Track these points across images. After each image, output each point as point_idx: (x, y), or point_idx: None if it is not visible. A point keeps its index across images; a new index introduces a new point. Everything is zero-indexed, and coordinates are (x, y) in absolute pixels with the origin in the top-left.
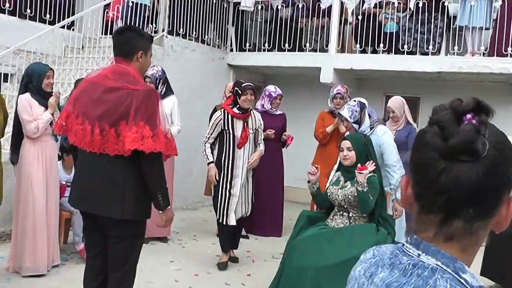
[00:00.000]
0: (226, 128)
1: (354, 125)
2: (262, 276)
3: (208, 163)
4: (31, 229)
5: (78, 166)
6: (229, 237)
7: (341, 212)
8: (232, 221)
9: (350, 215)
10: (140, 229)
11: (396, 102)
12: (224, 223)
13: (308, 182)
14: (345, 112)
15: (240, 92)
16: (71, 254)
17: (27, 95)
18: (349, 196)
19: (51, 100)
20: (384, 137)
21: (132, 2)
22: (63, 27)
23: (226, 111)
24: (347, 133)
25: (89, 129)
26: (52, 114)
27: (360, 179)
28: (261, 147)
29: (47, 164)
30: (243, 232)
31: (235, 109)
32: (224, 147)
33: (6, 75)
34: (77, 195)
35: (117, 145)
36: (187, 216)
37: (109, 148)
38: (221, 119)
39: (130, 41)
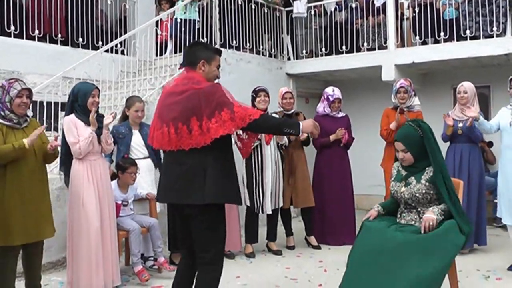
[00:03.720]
0: None
1: None
2: (334, 286)
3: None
4: (85, 250)
5: (163, 167)
6: (256, 228)
7: (408, 209)
8: (269, 210)
9: (419, 209)
10: (220, 214)
11: (468, 84)
12: (261, 212)
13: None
14: None
15: (254, 95)
16: (132, 275)
17: (72, 116)
18: (417, 194)
19: (90, 117)
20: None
21: (181, 19)
22: (116, 52)
23: None
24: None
25: (166, 131)
26: (101, 132)
27: None
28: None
29: (98, 183)
30: (315, 242)
31: None
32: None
33: (63, 104)
34: (163, 191)
35: (190, 140)
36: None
37: (184, 144)
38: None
39: (194, 52)
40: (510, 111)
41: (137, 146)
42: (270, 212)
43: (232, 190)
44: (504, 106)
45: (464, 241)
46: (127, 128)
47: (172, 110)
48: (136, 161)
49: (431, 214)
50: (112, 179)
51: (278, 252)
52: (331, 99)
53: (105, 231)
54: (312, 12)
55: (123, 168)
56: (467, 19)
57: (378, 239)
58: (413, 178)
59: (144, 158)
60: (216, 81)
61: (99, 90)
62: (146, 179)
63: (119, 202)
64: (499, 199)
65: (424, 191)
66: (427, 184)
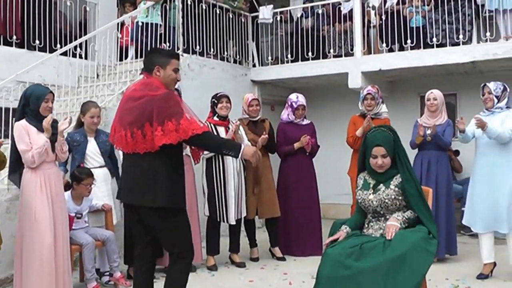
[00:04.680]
0: None
1: (494, 98)
2: None
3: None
4: (36, 268)
5: (123, 167)
6: (218, 239)
7: (377, 217)
8: (232, 220)
9: (388, 217)
10: (178, 216)
11: (438, 91)
12: (224, 221)
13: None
14: (491, 84)
15: (216, 101)
16: None
17: (23, 121)
18: (386, 200)
19: (44, 122)
20: None
21: (142, 23)
22: (75, 55)
23: (210, 123)
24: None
25: (123, 134)
26: (56, 139)
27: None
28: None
29: (52, 194)
30: (279, 254)
31: (215, 118)
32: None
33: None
34: (122, 191)
35: (144, 144)
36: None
37: (139, 147)
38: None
39: (150, 59)
40: (484, 119)
41: (93, 154)
42: (234, 223)
43: (180, 195)
44: (472, 114)
45: (436, 245)
46: (82, 135)
47: (129, 115)
48: (92, 170)
49: (395, 222)
50: (65, 190)
51: (241, 264)
52: (295, 105)
53: (58, 247)
54: (278, 18)
55: (79, 179)
56: (434, 27)
57: (341, 270)
58: (381, 185)
59: (100, 167)
60: (177, 84)
61: (53, 95)
62: (102, 189)
63: (72, 214)
64: (467, 206)
65: (393, 197)
66: (396, 189)
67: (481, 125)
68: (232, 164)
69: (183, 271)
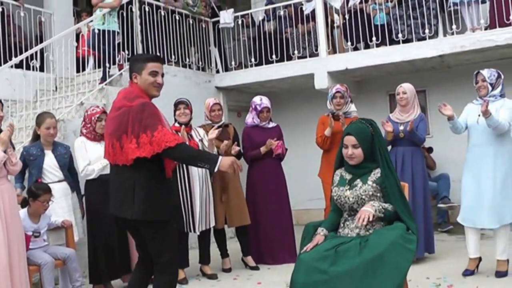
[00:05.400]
0: None
1: (489, 86)
2: None
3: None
4: None
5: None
6: (186, 251)
7: (353, 216)
8: (197, 230)
9: None
10: (159, 228)
11: (407, 85)
12: (191, 231)
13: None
14: (484, 71)
15: (174, 108)
16: None
17: None
18: (363, 196)
19: (2, 135)
20: (511, 103)
21: (99, 30)
22: (29, 68)
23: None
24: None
25: (107, 144)
26: (5, 151)
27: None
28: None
29: (6, 212)
30: (252, 263)
31: (176, 124)
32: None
33: None
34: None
35: (122, 156)
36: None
37: (118, 159)
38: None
39: (129, 66)
40: (477, 107)
41: (51, 168)
42: (199, 233)
43: (159, 209)
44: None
45: (416, 242)
46: (39, 148)
47: (110, 126)
48: (50, 185)
49: (369, 208)
50: (22, 206)
51: (213, 276)
52: (259, 108)
53: (14, 268)
54: (240, 22)
55: (35, 195)
56: (399, 23)
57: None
58: (358, 180)
59: (59, 181)
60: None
61: (2, 104)
62: (62, 204)
63: (29, 233)
64: (462, 202)
65: (371, 193)
66: (374, 185)
67: (486, 111)
68: (197, 172)
69: (165, 286)
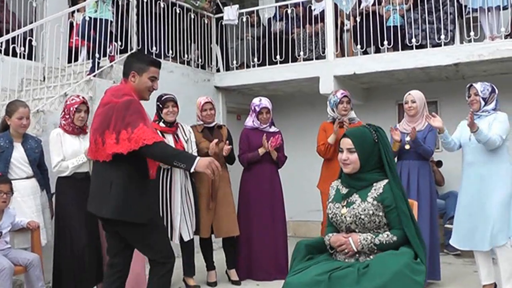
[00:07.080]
0: None
1: (481, 101)
2: None
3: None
4: None
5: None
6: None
7: None
8: (176, 239)
9: None
10: (139, 227)
11: (417, 92)
12: (172, 240)
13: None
14: (478, 85)
15: (161, 106)
16: None
17: None
18: (362, 216)
19: None
20: (502, 116)
21: (90, 18)
22: (15, 55)
23: (157, 130)
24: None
25: (91, 141)
26: None
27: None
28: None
29: None
30: (235, 277)
31: (161, 124)
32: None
33: None
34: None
35: (103, 152)
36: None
37: (99, 155)
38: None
39: (127, 63)
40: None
41: (19, 163)
42: (178, 242)
43: (137, 209)
44: (454, 122)
45: (424, 273)
46: (7, 140)
47: (95, 121)
48: (18, 181)
49: (354, 244)
50: None
51: None
52: (257, 109)
53: None
54: (244, 20)
55: None
56: (413, 27)
57: None
58: (356, 196)
59: (28, 178)
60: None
61: None
62: (29, 204)
63: None
64: (456, 224)
65: (371, 212)
66: (375, 203)
67: (473, 125)
68: (179, 179)
69: (161, 278)
